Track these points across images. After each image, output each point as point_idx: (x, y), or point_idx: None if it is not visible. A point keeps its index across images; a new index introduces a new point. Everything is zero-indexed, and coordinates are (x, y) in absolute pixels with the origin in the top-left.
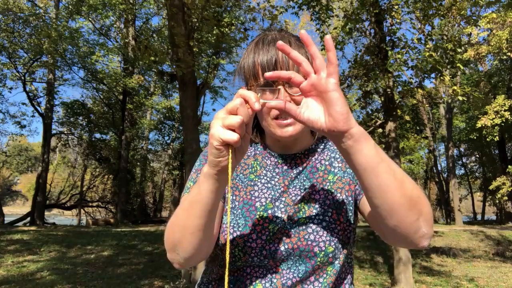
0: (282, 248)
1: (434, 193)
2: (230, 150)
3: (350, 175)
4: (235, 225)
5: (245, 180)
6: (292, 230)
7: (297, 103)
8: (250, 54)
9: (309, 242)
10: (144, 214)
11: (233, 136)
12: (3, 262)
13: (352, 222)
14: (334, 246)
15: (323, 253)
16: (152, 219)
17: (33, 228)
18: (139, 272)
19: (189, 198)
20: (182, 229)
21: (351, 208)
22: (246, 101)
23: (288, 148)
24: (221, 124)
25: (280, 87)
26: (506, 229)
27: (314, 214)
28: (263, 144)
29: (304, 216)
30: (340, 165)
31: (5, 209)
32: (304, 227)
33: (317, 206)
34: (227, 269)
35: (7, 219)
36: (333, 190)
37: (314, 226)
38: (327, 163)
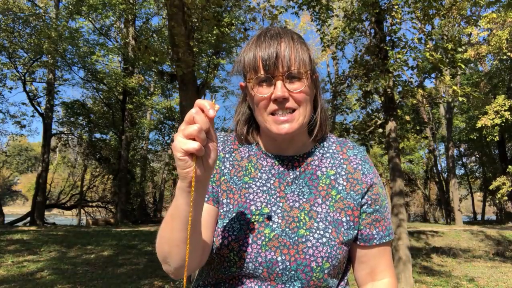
0: (279, 259)
1: (434, 193)
2: (194, 160)
3: (354, 200)
4: (229, 229)
5: (239, 182)
6: (290, 241)
7: (296, 101)
8: (252, 47)
9: (307, 257)
10: (144, 214)
11: (194, 145)
12: (3, 262)
13: (349, 245)
14: (330, 263)
15: (319, 268)
16: (152, 219)
17: (33, 228)
18: (139, 272)
19: (169, 211)
20: (168, 242)
21: (351, 232)
22: (203, 110)
23: (284, 148)
24: (181, 135)
25: (279, 81)
26: (506, 229)
27: (315, 228)
28: (258, 145)
29: (304, 227)
30: (344, 184)
31: (5, 209)
32: (303, 239)
33: (318, 220)
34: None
35: (7, 219)
36: (334, 208)
37: (314, 241)
38: (330, 174)
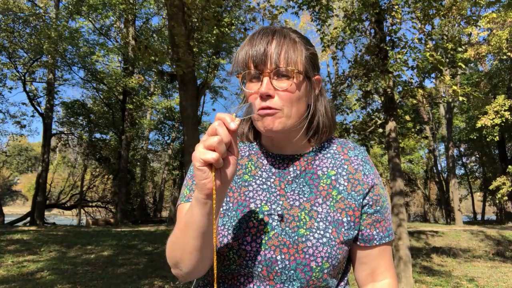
0: (279, 258)
1: (434, 193)
2: (213, 171)
3: (355, 201)
4: (229, 227)
5: (238, 180)
6: (290, 240)
7: (283, 99)
8: (245, 45)
9: (307, 256)
10: (144, 214)
11: (213, 155)
12: (3, 262)
13: (349, 245)
14: (330, 263)
15: (319, 268)
16: (152, 219)
17: (33, 228)
18: (139, 272)
19: (184, 219)
20: (181, 249)
21: (351, 232)
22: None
23: (283, 147)
24: (202, 146)
25: (266, 78)
26: (506, 229)
27: (315, 227)
28: (258, 144)
29: (304, 227)
30: (345, 184)
31: (5, 209)
32: (303, 239)
33: (319, 219)
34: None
35: (7, 219)
36: (335, 208)
37: (314, 240)
38: (331, 175)
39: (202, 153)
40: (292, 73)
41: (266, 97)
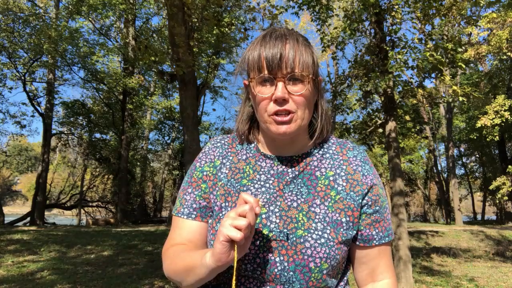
0: (277, 259)
1: (434, 193)
2: (235, 247)
3: (354, 201)
4: None
5: (236, 185)
6: (288, 241)
7: (296, 103)
8: (257, 46)
9: (305, 257)
10: (144, 214)
11: (238, 234)
12: (3, 262)
13: (348, 245)
14: (329, 263)
15: (317, 269)
16: (152, 219)
17: (33, 228)
18: (139, 272)
19: (185, 262)
20: (181, 279)
21: (350, 232)
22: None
23: (284, 149)
24: (231, 223)
25: (280, 82)
26: (506, 229)
27: (313, 228)
28: (256, 146)
29: (302, 228)
30: (344, 184)
31: (5, 209)
32: (301, 240)
33: (316, 220)
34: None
35: (7, 219)
36: (333, 209)
37: (312, 241)
38: (329, 175)
39: (229, 230)
40: (307, 78)
41: (282, 101)
